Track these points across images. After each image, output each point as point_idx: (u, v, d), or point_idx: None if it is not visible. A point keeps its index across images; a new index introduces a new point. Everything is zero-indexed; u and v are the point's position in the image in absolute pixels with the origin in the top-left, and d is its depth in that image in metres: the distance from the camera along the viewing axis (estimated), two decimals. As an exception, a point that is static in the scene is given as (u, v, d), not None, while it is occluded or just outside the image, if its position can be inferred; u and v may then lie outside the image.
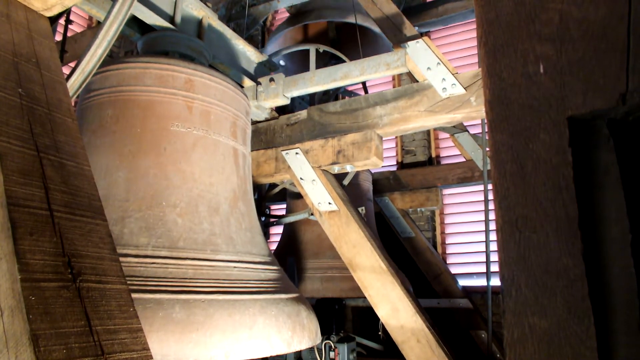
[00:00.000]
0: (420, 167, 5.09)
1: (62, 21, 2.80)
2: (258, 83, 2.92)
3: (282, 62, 4.00)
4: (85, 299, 0.97)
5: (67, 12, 2.25)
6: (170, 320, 1.57)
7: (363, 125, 2.71)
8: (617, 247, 0.71)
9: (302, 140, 2.87)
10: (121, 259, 1.16)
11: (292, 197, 3.95)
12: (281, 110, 3.20)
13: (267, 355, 1.79)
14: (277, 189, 3.56)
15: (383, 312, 2.61)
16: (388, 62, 2.62)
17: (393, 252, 3.41)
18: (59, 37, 2.79)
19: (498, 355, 3.81)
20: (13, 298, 0.89)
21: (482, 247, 5.08)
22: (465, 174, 4.36)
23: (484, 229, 3.86)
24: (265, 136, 3.02)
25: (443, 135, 5.53)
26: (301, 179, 2.83)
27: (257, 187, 3.65)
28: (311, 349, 3.36)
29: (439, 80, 2.52)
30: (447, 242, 5.38)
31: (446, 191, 5.30)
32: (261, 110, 3.00)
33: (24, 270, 0.91)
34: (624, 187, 0.71)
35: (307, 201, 2.85)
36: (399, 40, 2.62)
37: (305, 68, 3.10)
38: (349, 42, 4.17)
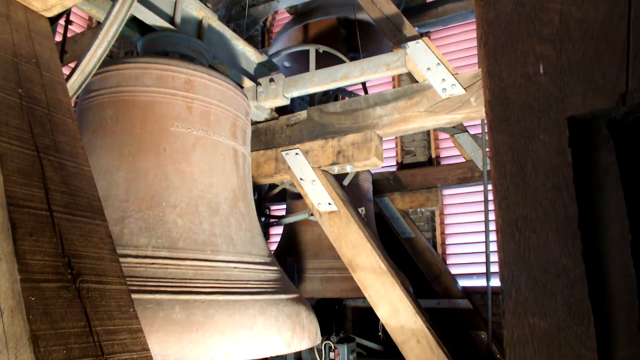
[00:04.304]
0: (420, 167, 5.10)
1: (62, 21, 2.80)
2: (258, 83, 2.92)
3: (286, 64, 3.99)
4: (85, 299, 0.97)
5: (67, 12, 2.25)
6: (170, 321, 1.57)
7: (363, 125, 2.71)
8: (617, 248, 0.71)
9: (302, 140, 2.87)
10: (121, 259, 1.16)
11: (292, 197, 3.95)
12: (281, 110, 3.20)
13: (267, 355, 1.79)
14: (277, 190, 3.56)
15: (383, 313, 2.61)
16: (388, 63, 2.62)
17: (393, 253, 3.41)
18: (58, 38, 2.79)
19: (498, 356, 3.81)
20: (13, 298, 0.89)
21: (482, 248, 5.08)
22: (465, 175, 4.36)
23: (483, 230, 3.86)
24: (265, 137, 3.02)
25: (443, 135, 5.53)
26: (301, 179, 2.83)
27: (257, 188, 3.65)
28: (311, 350, 3.36)
29: (438, 80, 2.52)
30: (447, 243, 5.38)
31: (446, 191, 5.31)
32: (261, 110, 3.00)
33: (23, 270, 0.91)
34: (623, 187, 0.71)
35: (307, 202, 2.85)
36: (399, 40, 2.63)
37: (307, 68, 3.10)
38: (363, 38, 4.11)
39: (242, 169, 2.27)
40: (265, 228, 3.67)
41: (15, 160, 1.06)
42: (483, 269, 5.00)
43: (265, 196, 3.72)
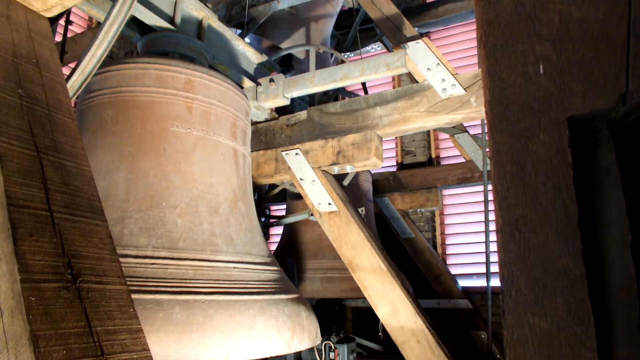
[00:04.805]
0: (420, 167, 5.10)
1: (62, 22, 2.80)
2: (258, 84, 2.92)
3: None
4: (85, 299, 0.97)
5: (67, 12, 2.25)
6: (170, 321, 1.57)
7: (363, 125, 2.71)
8: (617, 248, 0.71)
9: (302, 140, 2.87)
10: (121, 259, 1.16)
11: (292, 197, 3.95)
12: (281, 110, 3.20)
13: (267, 355, 1.79)
14: (277, 190, 3.56)
15: (383, 313, 2.61)
16: (388, 63, 2.62)
17: (393, 253, 3.41)
18: (58, 38, 2.79)
19: (498, 356, 3.81)
20: (13, 299, 0.88)
21: (482, 248, 5.08)
22: (465, 175, 4.36)
23: (483, 230, 3.86)
24: (265, 137, 3.02)
25: (443, 135, 5.53)
26: (301, 179, 2.83)
27: (257, 188, 3.65)
28: (311, 350, 3.36)
29: (438, 80, 2.52)
30: (447, 243, 5.38)
31: (446, 192, 5.31)
32: (261, 110, 3.00)
33: (23, 270, 0.91)
34: (623, 187, 0.71)
35: (307, 202, 2.85)
36: (399, 40, 2.63)
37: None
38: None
39: (242, 169, 2.27)
40: (265, 228, 3.67)
41: (15, 161, 1.06)
42: (483, 269, 5.00)
43: (265, 196, 3.72)
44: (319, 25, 4.08)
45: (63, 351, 0.86)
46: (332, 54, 4.07)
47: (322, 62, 3.84)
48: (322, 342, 3.34)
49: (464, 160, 4.40)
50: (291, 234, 3.80)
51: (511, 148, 0.78)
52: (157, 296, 1.61)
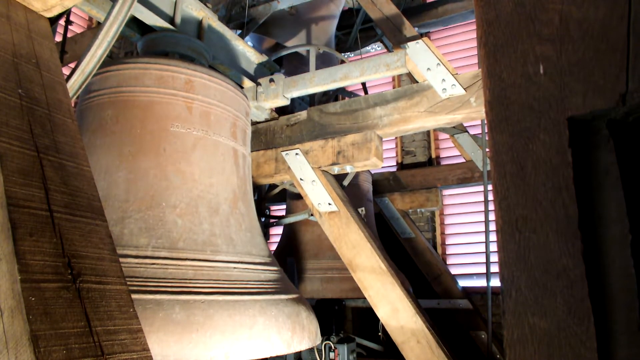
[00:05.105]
0: (420, 167, 5.10)
1: (62, 22, 2.80)
2: (258, 84, 2.92)
3: None
4: (85, 299, 0.97)
5: (67, 12, 2.25)
6: (170, 321, 1.57)
7: (363, 125, 2.71)
8: (617, 247, 0.71)
9: (302, 140, 2.87)
10: (121, 259, 1.16)
11: (292, 197, 3.95)
12: (281, 111, 3.20)
13: (267, 355, 1.79)
14: (277, 190, 3.56)
15: (383, 313, 2.60)
16: (388, 63, 2.62)
17: (393, 253, 3.41)
18: (58, 38, 2.79)
19: (498, 356, 3.81)
20: (13, 299, 0.88)
21: (482, 248, 5.08)
22: (465, 175, 4.36)
23: (484, 230, 3.86)
24: (265, 137, 3.02)
25: (443, 135, 5.53)
26: (301, 179, 2.82)
27: (257, 188, 3.65)
28: (311, 350, 3.36)
29: (438, 80, 2.52)
30: (447, 243, 5.38)
31: (446, 192, 5.31)
32: (261, 111, 3.00)
33: (24, 270, 0.91)
34: (623, 187, 0.71)
35: (307, 202, 2.85)
36: (399, 40, 2.63)
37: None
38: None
39: (242, 169, 2.27)
40: (265, 228, 3.67)
41: (15, 161, 1.06)
42: (483, 269, 5.00)
43: (265, 196, 3.72)
44: (323, 25, 4.08)
45: (63, 351, 0.86)
46: None
47: (328, 62, 3.83)
48: (322, 342, 3.34)
49: (464, 160, 4.40)
50: (291, 234, 3.80)
51: (511, 148, 0.78)
52: (157, 296, 1.61)
